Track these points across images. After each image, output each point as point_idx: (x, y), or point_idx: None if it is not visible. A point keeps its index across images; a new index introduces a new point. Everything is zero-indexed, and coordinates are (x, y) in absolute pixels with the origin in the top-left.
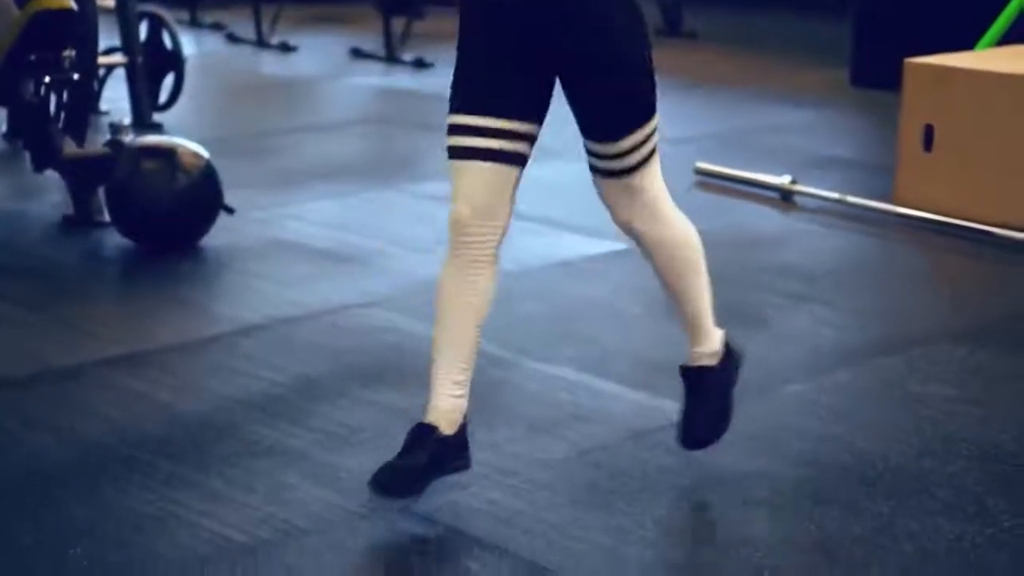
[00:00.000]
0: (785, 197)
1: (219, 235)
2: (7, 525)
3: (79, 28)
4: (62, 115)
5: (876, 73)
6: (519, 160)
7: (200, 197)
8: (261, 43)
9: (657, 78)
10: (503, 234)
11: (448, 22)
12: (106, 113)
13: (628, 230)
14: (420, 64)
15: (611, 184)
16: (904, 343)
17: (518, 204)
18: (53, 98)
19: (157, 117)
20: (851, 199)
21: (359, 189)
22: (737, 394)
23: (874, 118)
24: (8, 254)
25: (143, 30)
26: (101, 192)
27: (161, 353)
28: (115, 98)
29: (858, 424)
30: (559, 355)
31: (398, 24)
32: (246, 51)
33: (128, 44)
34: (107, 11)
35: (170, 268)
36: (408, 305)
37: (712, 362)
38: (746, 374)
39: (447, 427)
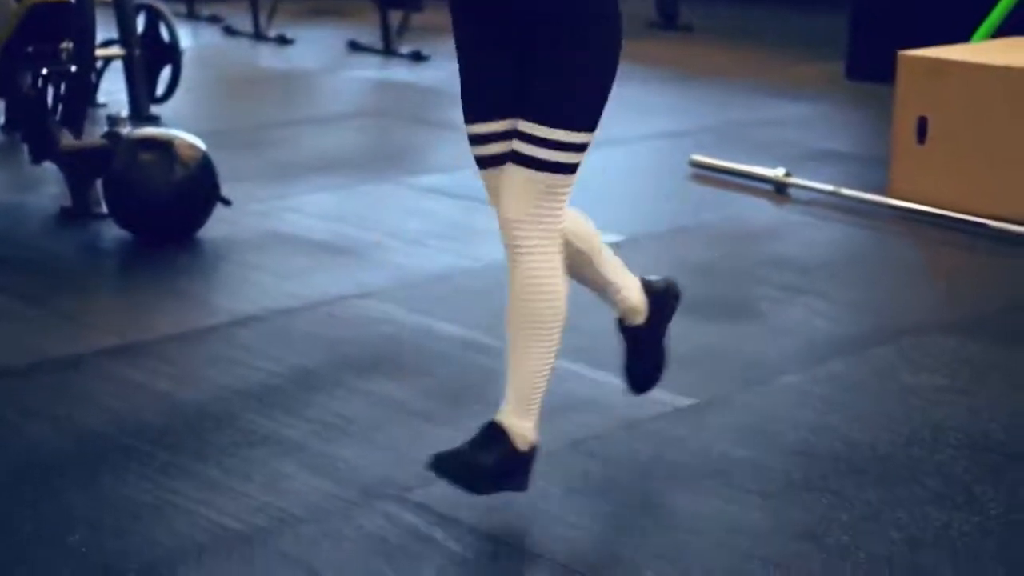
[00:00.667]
0: (779, 189)
1: (217, 227)
2: (6, 514)
3: (76, 20)
4: (59, 107)
5: (871, 66)
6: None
7: (197, 189)
8: (258, 36)
9: (652, 71)
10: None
11: (445, 15)
12: (103, 105)
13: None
14: (417, 57)
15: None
16: (897, 334)
17: None
18: (51, 90)
19: (154, 109)
20: (845, 191)
21: (356, 182)
22: (732, 384)
23: (869, 111)
24: (6, 246)
25: (140, 22)
26: (99, 184)
27: (159, 344)
28: (112, 90)
29: (851, 414)
30: None
31: (395, 17)
32: (243, 44)
33: (125, 36)
34: (104, 3)
35: (168, 259)
36: (404, 297)
37: (639, 320)
38: (740, 365)
39: None
